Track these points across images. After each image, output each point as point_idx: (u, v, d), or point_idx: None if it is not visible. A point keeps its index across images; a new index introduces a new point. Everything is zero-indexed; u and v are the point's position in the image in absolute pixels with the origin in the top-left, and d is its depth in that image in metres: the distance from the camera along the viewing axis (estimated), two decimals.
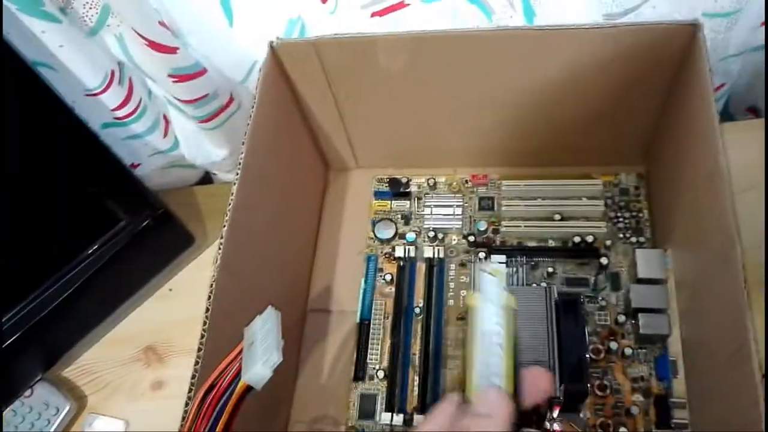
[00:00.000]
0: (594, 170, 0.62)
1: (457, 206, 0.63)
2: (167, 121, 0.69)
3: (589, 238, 0.58)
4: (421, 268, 0.60)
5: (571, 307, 0.50)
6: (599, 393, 0.52)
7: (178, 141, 0.71)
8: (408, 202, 0.65)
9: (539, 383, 0.39)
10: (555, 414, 0.50)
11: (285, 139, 0.58)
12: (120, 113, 0.63)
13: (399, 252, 0.61)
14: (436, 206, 0.63)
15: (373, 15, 0.56)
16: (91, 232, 0.60)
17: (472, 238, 0.61)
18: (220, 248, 0.44)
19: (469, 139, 0.62)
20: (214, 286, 0.43)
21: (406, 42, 0.51)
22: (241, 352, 0.38)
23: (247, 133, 0.49)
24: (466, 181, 0.65)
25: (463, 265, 0.60)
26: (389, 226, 0.63)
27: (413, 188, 0.66)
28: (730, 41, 0.58)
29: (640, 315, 0.52)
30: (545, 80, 0.54)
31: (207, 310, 0.42)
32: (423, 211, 0.64)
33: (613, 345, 0.53)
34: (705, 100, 0.45)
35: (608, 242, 0.58)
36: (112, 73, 0.60)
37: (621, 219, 0.59)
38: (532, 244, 0.60)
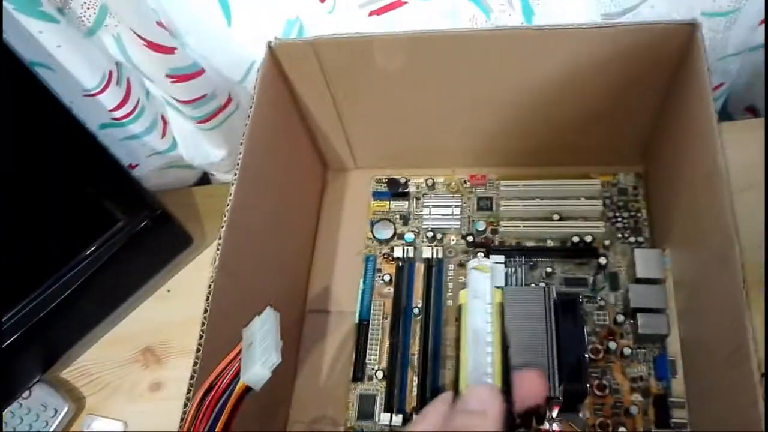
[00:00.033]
0: (592, 170, 0.62)
1: (456, 206, 0.63)
2: (165, 122, 0.69)
3: (588, 238, 0.58)
4: (420, 268, 0.60)
5: (569, 307, 0.50)
6: (598, 393, 0.52)
7: (176, 141, 0.71)
8: (406, 202, 0.65)
9: (532, 387, 0.39)
10: (554, 414, 0.50)
11: (283, 140, 0.58)
12: (118, 114, 0.63)
13: (398, 252, 0.61)
14: (434, 206, 0.63)
15: (371, 14, 0.56)
16: (89, 233, 0.60)
17: (470, 239, 0.61)
18: (218, 249, 0.44)
19: (467, 139, 0.62)
20: (212, 286, 0.43)
21: (403, 42, 0.51)
22: (239, 352, 0.38)
23: (245, 134, 0.48)
24: (465, 182, 0.65)
25: (461, 265, 0.60)
26: (388, 227, 0.63)
27: (412, 188, 0.66)
28: (729, 40, 0.58)
29: (638, 315, 0.52)
30: (544, 80, 0.54)
31: (205, 310, 0.42)
32: (421, 211, 0.64)
33: (612, 345, 0.53)
34: (703, 100, 0.45)
35: (607, 242, 0.58)
36: (110, 73, 0.60)
37: (619, 219, 0.59)
38: (530, 244, 0.60)
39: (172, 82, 0.58)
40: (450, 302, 0.58)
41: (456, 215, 0.62)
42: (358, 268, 0.62)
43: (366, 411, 0.55)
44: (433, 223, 0.62)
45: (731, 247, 0.39)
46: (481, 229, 0.61)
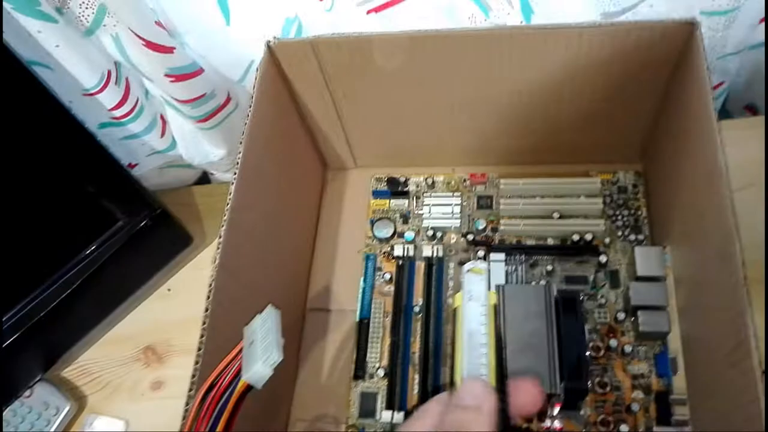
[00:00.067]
0: (592, 168, 0.62)
1: (456, 205, 0.63)
2: (164, 121, 0.69)
3: (588, 236, 0.58)
4: (420, 266, 0.60)
5: (570, 305, 0.50)
6: (599, 390, 0.52)
7: (175, 141, 0.71)
8: (406, 201, 0.65)
9: (528, 395, 0.39)
10: (555, 411, 0.51)
11: (283, 139, 0.58)
12: (117, 113, 0.63)
13: (398, 251, 0.61)
14: (434, 205, 0.63)
15: (368, 12, 0.56)
16: (89, 233, 0.60)
17: (470, 237, 0.61)
18: (218, 248, 0.44)
19: (467, 138, 0.62)
20: (213, 285, 0.43)
21: (402, 41, 0.51)
22: (240, 351, 0.38)
23: (244, 133, 0.48)
24: (465, 180, 0.65)
25: (462, 263, 0.60)
26: (388, 226, 0.63)
27: (411, 187, 0.66)
28: (728, 39, 0.58)
29: (639, 312, 0.52)
30: (543, 78, 0.54)
31: (206, 309, 0.42)
32: (421, 210, 0.64)
33: (613, 342, 0.53)
34: (703, 98, 0.45)
35: (607, 240, 0.58)
36: (109, 73, 0.60)
37: (619, 217, 0.59)
38: (530, 242, 0.60)
39: (171, 81, 0.58)
40: (450, 300, 0.58)
41: (456, 214, 0.62)
42: (359, 267, 0.62)
43: (367, 409, 0.55)
44: (433, 221, 0.62)
45: (732, 244, 0.39)
46: (481, 227, 0.61)
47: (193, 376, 0.40)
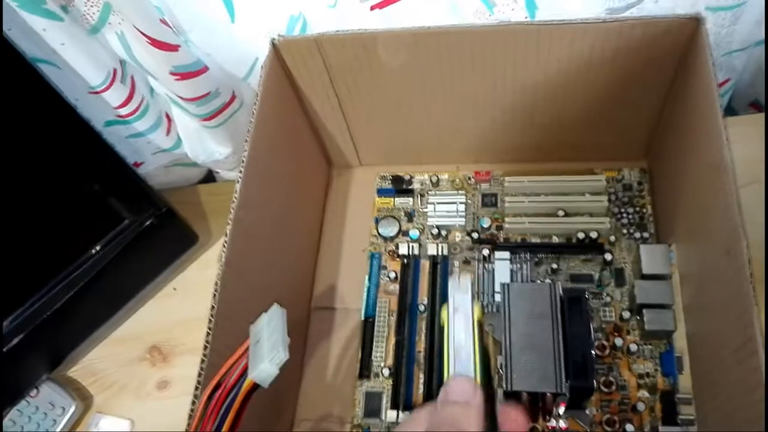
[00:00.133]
0: (597, 166, 0.62)
1: (461, 203, 0.63)
2: (170, 119, 0.69)
3: (593, 234, 0.58)
4: (425, 265, 0.60)
5: (575, 304, 0.50)
6: (605, 389, 0.52)
7: (180, 139, 0.71)
8: (411, 199, 0.65)
9: (514, 420, 0.39)
10: (561, 410, 0.51)
11: (288, 137, 0.58)
12: (122, 111, 0.63)
13: (403, 249, 0.61)
14: (439, 203, 0.63)
15: (372, 8, 0.56)
16: (95, 231, 0.60)
17: (475, 235, 0.61)
18: (224, 246, 0.44)
19: (471, 136, 0.62)
20: (218, 284, 0.43)
21: (407, 38, 0.51)
22: (247, 349, 0.38)
23: (249, 131, 0.48)
24: (469, 178, 0.64)
25: (467, 262, 0.60)
26: (392, 224, 0.63)
27: (416, 185, 0.66)
28: (734, 35, 0.58)
29: (645, 311, 0.52)
30: (547, 75, 0.53)
31: (212, 308, 0.42)
32: (426, 208, 0.64)
33: (619, 341, 0.53)
34: (708, 94, 0.44)
35: (612, 238, 0.58)
36: (114, 71, 0.60)
37: (625, 214, 0.59)
38: (535, 240, 0.60)
39: (175, 79, 0.58)
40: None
41: (461, 212, 0.62)
42: (364, 266, 0.62)
43: (372, 408, 0.55)
44: (438, 219, 0.62)
45: (738, 242, 0.39)
46: (486, 225, 0.61)
47: (199, 375, 0.40)
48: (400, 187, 0.65)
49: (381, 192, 0.66)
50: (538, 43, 0.50)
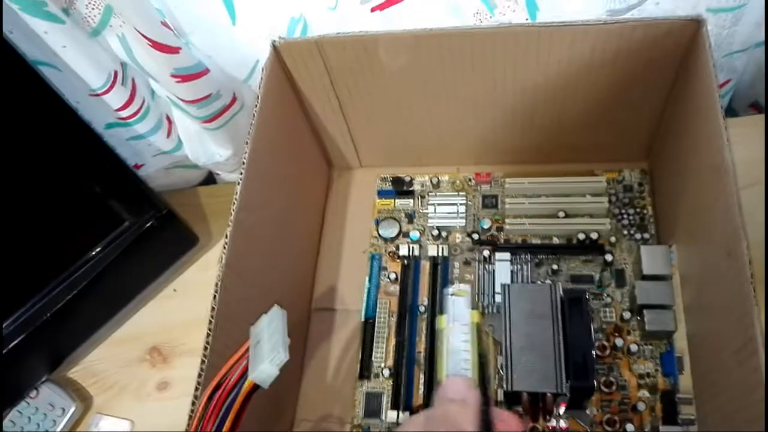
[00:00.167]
0: (597, 167, 0.62)
1: (461, 204, 0.63)
2: (170, 122, 0.70)
3: (594, 235, 0.58)
4: (426, 266, 0.60)
5: (576, 304, 0.50)
6: (605, 389, 0.51)
7: (181, 141, 0.72)
8: (411, 200, 0.65)
9: (507, 422, 0.39)
10: (561, 410, 0.51)
11: (288, 139, 0.58)
12: (123, 113, 0.64)
13: (403, 250, 0.61)
14: (439, 204, 0.63)
15: (373, 10, 0.56)
16: (96, 233, 0.60)
17: (476, 236, 0.61)
18: (224, 248, 0.44)
19: (472, 137, 0.62)
20: (219, 285, 0.43)
21: (408, 40, 0.51)
22: (247, 350, 0.38)
23: (250, 133, 0.49)
24: (470, 179, 0.65)
25: (467, 263, 0.60)
26: (393, 225, 0.63)
27: (417, 187, 0.66)
28: (735, 37, 0.58)
29: (645, 311, 0.52)
30: (548, 77, 0.54)
31: (212, 309, 0.42)
32: (427, 209, 0.64)
33: (619, 341, 0.53)
34: (709, 96, 0.44)
35: (613, 239, 0.58)
36: (115, 73, 0.60)
37: (625, 215, 0.59)
38: (536, 241, 0.60)
39: (176, 81, 0.58)
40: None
41: (461, 213, 0.62)
42: (364, 267, 0.62)
43: (373, 409, 0.55)
44: (439, 221, 0.62)
45: (739, 243, 0.39)
46: (486, 226, 0.61)
47: (199, 376, 0.40)
48: (401, 188, 0.65)
49: (381, 193, 0.66)
50: (538, 45, 0.50)
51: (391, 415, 0.54)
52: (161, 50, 0.55)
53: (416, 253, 0.61)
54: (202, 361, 0.41)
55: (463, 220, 0.62)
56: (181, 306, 0.68)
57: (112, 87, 0.60)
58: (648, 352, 0.53)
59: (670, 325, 0.51)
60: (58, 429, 0.60)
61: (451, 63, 0.53)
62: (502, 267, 0.58)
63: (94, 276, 0.59)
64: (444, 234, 0.62)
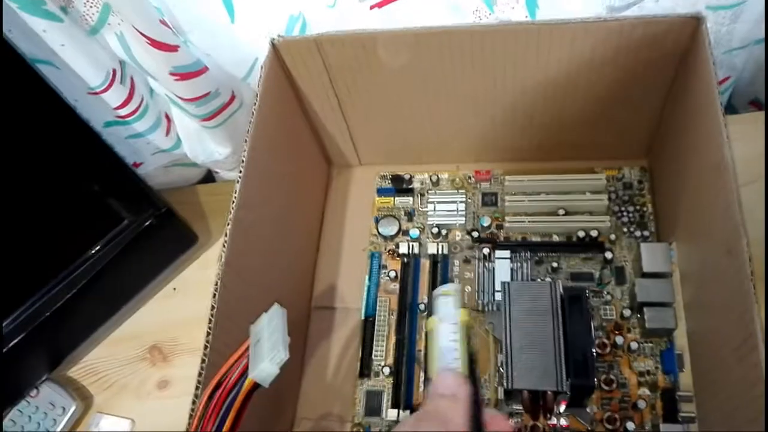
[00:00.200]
0: (597, 165, 0.62)
1: (461, 202, 0.63)
2: (169, 120, 0.69)
3: (594, 233, 0.58)
4: (425, 264, 0.60)
5: (576, 302, 0.50)
6: (606, 387, 0.51)
7: (180, 139, 0.71)
8: (411, 198, 0.65)
9: (497, 423, 0.39)
10: (562, 408, 0.51)
11: (287, 137, 0.58)
12: (122, 112, 0.63)
13: (403, 248, 0.61)
14: (439, 202, 0.63)
15: (371, 7, 0.56)
16: (94, 232, 0.60)
17: (475, 234, 0.61)
18: (224, 246, 0.44)
19: (471, 135, 0.62)
20: (218, 284, 0.43)
21: (407, 38, 0.51)
22: (247, 349, 0.38)
23: (249, 131, 0.48)
24: (469, 177, 0.65)
25: (467, 261, 0.60)
26: (392, 223, 0.63)
27: (416, 185, 0.66)
28: (734, 34, 0.58)
29: (645, 309, 0.52)
30: (548, 74, 0.53)
31: (212, 308, 0.42)
32: (426, 207, 0.64)
33: (619, 339, 0.53)
34: (709, 93, 0.44)
35: (612, 236, 0.58)
36: (114, 71, 0.60)
37: (625, 213, 0.59)
38: (536, 239, 0.60)
39: (175, 80, 0.58)
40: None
41: (461, 211, 0.62)
42: (364, 265, 0.62)
43: (373, 407, 0.55)
44: (438, 219, 0.62)
45: (739, 240, 0.39)
46: (486, 224, 0.61)
47: (200, 375, 0.40)
48: (400, 186, 0.65)
49: (381, 191, 0.66)
50: (538, 43, 0.50)
51: (391, 414, 0.54)
52: (160, 48, 0.55)
53: (416, 251, 0.61)
54: (203, 360, 0.41)
55: (463, 218, 0.62)
56: (180, 304, 0.68)
57: (110, 85, 0.60)
58: (648, 350, 0.53)
59: (670, 322, 0.51)
60: (59, 428, 0.60)
61: (450, 61, 0.53)
62: (502, 265, 0.58)
63: (93, 275, 0.59)
64: (444, 232, 0.62)
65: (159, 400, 0.63)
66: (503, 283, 0.52)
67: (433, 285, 0.59)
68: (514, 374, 0.47)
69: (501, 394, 0.52)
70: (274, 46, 0.52)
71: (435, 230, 0.61)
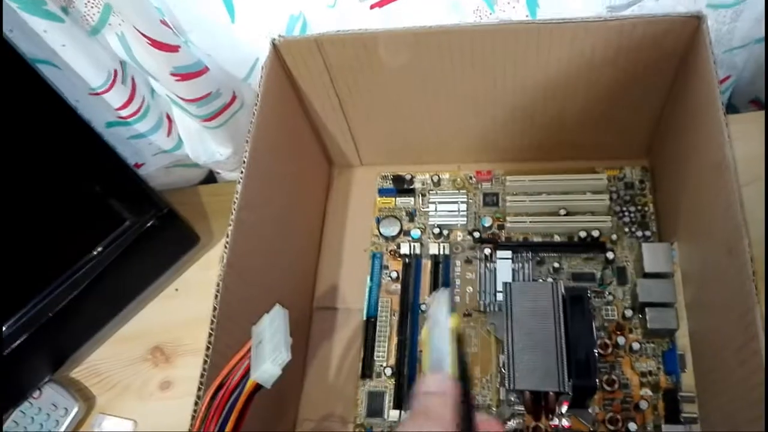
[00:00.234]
0: (598, 164, 0.62)
1: (462, 202, 0.63)
2: (171, 120, 0.69)
3: (595, 233, 0.58)
4: (427, 264, 0.60)
5: (578, 302, 0.50)
6: (607, 388, 0.51)
7: (181, 140, 0.71)
8: (412, 198, 0.65)
9: (490, 426, 0.39)
10: (564, 409, 0.51)
11: (288, 137, 0.58)
12: (123, 112, 0.63)
13: (404, 249, 0.61)
14: (440, 203, 0.63)
15: (372, 7, 0.56)
16: (96, 233, 0.60)
17: (477, 234, 0.60)
18: (226, 247, 0.44)
19: (472, 135, 0.62)
20: (220, 284, 0.43)
21: (408, 37, 0.51)
22: (249, 350, 0.38)
23: (250, 131, 0.48)
24: (471, 177, 0.64)
25: (468, 261, 0.60)
26: (394, 223, 0.63)
27: (417, 185, 0.66)
28: (735, 33, 0.58)
29: (647, 309, 0.52)
30: (548, 74, 0.53)
31: (214, 309, 0.42)
32: (427, 207, 0.64)
33: (621, 340, 0.53)
34: (710, 92, 0.44)
35: (614, 237, 0.58)
36: (115, 72, 0.60)
37: (626, 213, 0.59)
38: (537, 239, 0.60)
39: (176, 80, 0.58)
40: (457, 299, 0.58)
41: (462, 211, 0.62)
42: (365, 265, 0.62)
43: (375, 408, 0.55)
44: (440, 219, 0.62)
45: (740, 240, 0.39)
46: (487, 224, 0.61)
47: (202, 375, 0.40)
48: (402, 186, 0.65)
49: (382, 192, 0.66)
50: (538, 42, 0.50)
51: (393, 415, 0.54)
52: (160, 49, 0.55)
53: (417, 251, 0.61)
54: (205, 361, 0.41)
55: (464, 218, 0.62)
56: (182, 305, 0.68)
57: (111, 86, 0.60)
58: (650, 350, 0.53)
59: (671, 323, 0.51)
60: (61, 429, 0.60)
61: (450, 60, 0.53)
62: (504, 265, 0.58)
63: (95, 276, 0.59)
64: (445, 232, 0.62)
65: (161, 401, 0.63)
66: (505, 284, 0.51)
67: (434, 285, 0.59)
68: (516, 375, 0.47)
69: (503, 395, 0.52)
70: (274, 46, 0.52)
71: (436, 231, 0.61)
